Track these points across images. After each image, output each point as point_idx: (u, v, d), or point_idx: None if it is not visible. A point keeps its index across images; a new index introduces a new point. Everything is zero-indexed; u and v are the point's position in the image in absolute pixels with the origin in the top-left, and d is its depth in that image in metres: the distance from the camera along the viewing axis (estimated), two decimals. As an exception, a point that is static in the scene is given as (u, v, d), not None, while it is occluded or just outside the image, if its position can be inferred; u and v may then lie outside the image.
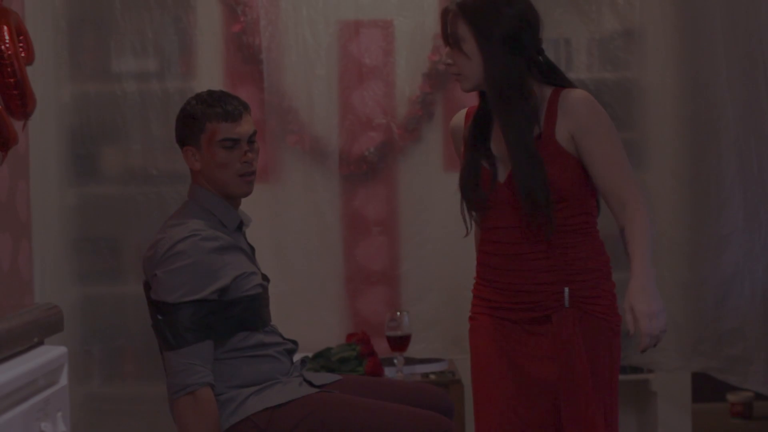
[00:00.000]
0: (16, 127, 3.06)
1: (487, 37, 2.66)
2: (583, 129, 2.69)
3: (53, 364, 1.53)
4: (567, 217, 2.72)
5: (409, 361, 4.11)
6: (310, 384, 2.95)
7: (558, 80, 2.77)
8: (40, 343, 1.55)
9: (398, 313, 3.99)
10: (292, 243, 4.31)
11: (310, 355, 3.98)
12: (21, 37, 3.04)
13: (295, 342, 3.06)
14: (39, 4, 3.98)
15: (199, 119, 2.90)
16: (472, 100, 4.36)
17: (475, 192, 2.77)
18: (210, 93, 2.96)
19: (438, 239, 4.33)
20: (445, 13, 2.73)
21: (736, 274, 4.19)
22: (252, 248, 3.06)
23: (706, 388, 5.07)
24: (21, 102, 3.02)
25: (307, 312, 4.28)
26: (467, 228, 2.83)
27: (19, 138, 3.09)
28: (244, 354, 2.89)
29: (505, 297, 2.78)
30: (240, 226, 2.99)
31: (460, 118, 2.96)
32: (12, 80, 2.96)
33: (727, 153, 4.18)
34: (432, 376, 4.03)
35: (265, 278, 3.06)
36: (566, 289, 2.71)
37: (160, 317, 2.82)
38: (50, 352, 1.54)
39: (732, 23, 4.16)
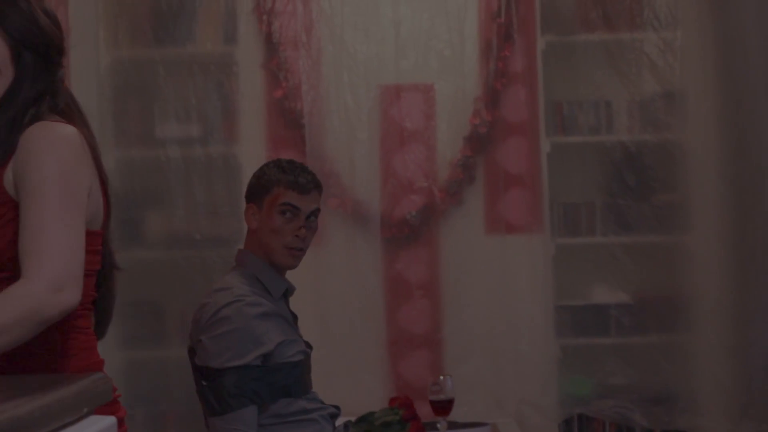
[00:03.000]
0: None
1: (22, 44, 1.91)
2: (19, 168, 1.87)
3: (102, 435, 1.54)
4: None
5: (453, 426, 4.06)
6: (355, 450, 2.93)
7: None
8: (90, 413, 1.55)
9: (441, 377, 3.95)
10: (334, 306, 4.31)
11: (353, 419, 3.95)
12: (69, 106, 3.09)
13: (337, 407, 3.05)
14: (84, 70, 4.04)
15: (269, 181, 2.94)
16: (514, 162, 4.40)
17: None
18: (290, 162, 3.00)
19: (480, 302, 4.31)
20: None
21: (786, 337, 4.13)
22: (295, 316, 3.05)
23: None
24: (68, 169, 3.05)
25: (350, 375, 4.26)
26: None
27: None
28: (286, 420, 2.88)
29: None
30: (285, 294, 2.99)
31: None
32: (59, 148, 3.00)
33: (774, 215, 4.15)
34: (476, 441, 3.99)
35: (308, 345, 3.05)
36: None
37: (204, 383, 2.82)
38: (99, 422, 1.55)
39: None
